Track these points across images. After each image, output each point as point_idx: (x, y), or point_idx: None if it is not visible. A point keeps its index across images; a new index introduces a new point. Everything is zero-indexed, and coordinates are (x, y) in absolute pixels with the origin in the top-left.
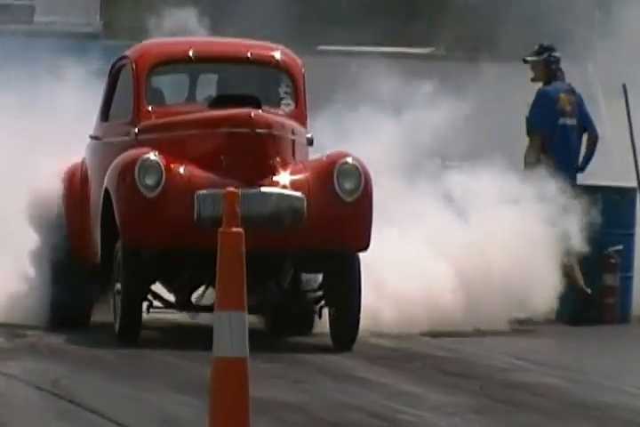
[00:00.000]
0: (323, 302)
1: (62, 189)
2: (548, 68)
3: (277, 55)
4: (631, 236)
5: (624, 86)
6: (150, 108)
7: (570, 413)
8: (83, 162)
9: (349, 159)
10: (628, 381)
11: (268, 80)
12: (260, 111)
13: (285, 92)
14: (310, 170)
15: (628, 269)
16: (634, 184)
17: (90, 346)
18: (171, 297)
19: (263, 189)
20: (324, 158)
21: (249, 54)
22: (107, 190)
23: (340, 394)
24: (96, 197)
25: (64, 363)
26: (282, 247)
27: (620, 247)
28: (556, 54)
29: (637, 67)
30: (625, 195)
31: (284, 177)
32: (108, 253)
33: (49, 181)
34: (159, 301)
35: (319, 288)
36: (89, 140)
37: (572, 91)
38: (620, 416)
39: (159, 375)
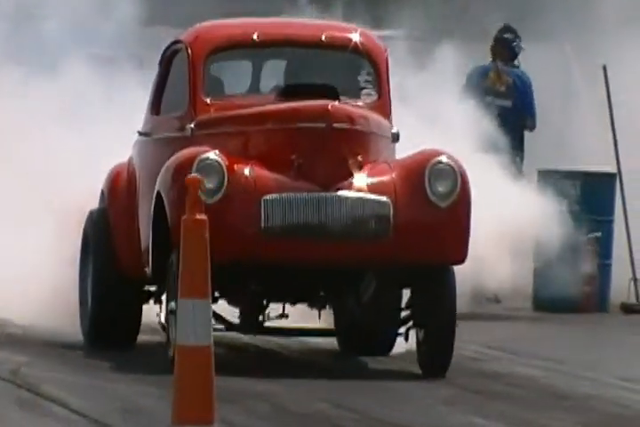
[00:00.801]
0: (411, 323)
1: (106, 193)
2: (504, 48)
3: (356, 38)
4: (610, 222)
5: (604, 67)
6: (209, 100)
7: (546, 403)
8: (129, 161)
9: (444, 158)
10: (605, 371)
11: (345, 67)
12: (339, 103)
13: (366, 81)
14: (397, 170)
15: (607, 257)
16: (613, 169)
17: (52, 336)
18: (233, 317)
19: (341, 193)
20: (414, 157)
21: (323, 37)
22: (159, 194)
23: None
24: (146, 202)
25: (24, 352)
26: (364, 260)
27: (599, 234)
28: (508, 36)
29: (618, 47)
30: (604, 180)
31: (366, 179)
32: (159, 266)
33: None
34: (220, 322)
35: (407, 307)
36: (137, 136)
37: (513, 73)
38: (596, 407)
39: (123, 366)
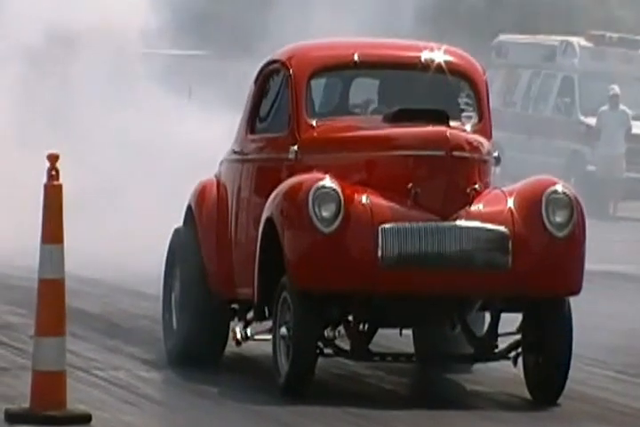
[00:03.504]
0: (519, 349)
1: (195, 209)
2: None
3: (454, 59)
4: None
5: None
6: (314, 122)
7: None
8: (218, 179)
9: (559, 187)
10: None
11: (445, 89)
12: (454, 129)
13: (466, 103)
14: (513, 199)
15: None
16: None
17: None
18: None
19: (459, 222)
20: (528, 185)
21: (422, 58)
22: (270, 221)
23: None
24: (245, 224)
25: None
26: (481, 291)
27: None
28: None
29: None
30: None
31: (482, 208)
32: (266, 289)
33: None
34: (331, 348)
35: (517, 331)
36: (227, 154)
37: None
38: None
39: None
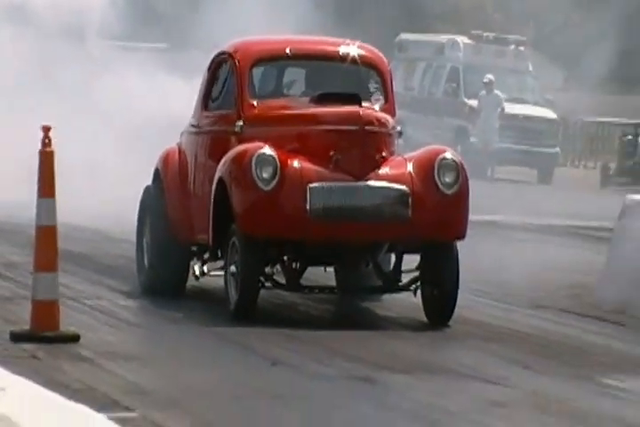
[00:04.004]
0: (418, 283)
1: (161, 168)
2: None
3: (365, 52)
4: None
5: None
6: (255, 103)
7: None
8: (179, 147)
9: (448, 154)
10: None
11: (358, 77)
12: (366, 109)
13: (375, 88)
14: (412, 164)
15: None
16: None
17: None
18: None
19: (370, 182)
20: (423, 153)
21: (341, 52)
22: (221, 180)
23: None
24: (201, 182)
25: None
26: (388, 236)
27: None
28: None
29: None
30: None
31: (388, 171)
32: (219, 234)
33: None
34: (270, 282)
35: (417, 268)
36: (186, 127)
37: None
38: None
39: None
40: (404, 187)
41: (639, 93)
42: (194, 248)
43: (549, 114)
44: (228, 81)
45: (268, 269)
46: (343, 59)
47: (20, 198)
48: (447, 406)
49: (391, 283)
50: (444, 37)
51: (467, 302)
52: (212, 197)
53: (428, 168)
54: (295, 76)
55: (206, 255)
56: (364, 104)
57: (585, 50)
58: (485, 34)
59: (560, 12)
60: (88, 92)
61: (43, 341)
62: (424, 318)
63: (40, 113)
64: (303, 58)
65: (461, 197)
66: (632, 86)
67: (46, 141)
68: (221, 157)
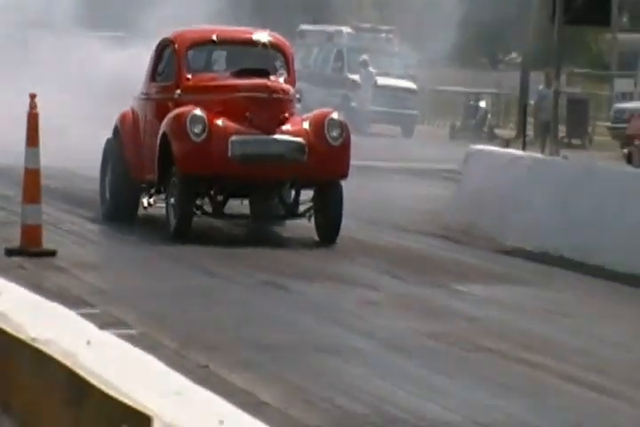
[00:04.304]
0: (312, 211)
1: (119, 125)
2: None
3: (273, 39)
4: None
5: None
6: (189, 76)
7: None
8: (133, 109)
9: (335, 115)
10: None
11: (268, 57)
12: (273, 81)
13: (280, 66)
14: (307, 123)
15: None
16: None
17: None
18: (207, 207)
19: (276, 136)
20: (316, 114)
21: (254, 39)
22: (165, 134)
23: None
24: (149, 135)
25: None
26: (289, 175)
27: None
28: None
29: None
30: None
31: (290, 128)
32: (163, 174)
33: None
34: (200, 211)
35: (311, 200)
36: (138, 94)
37: None
38: None
39: None
40: (301, 139)
41: (478, 68)
42: (143, 185)
43: (411, 85)
44: (169, 60)
45: (198, 202)
46: (256, 44)
47: (11, 147)
48: (336, 304)
49: (291, 211)
50: (332, 28)
51: (349, 226)
52: (158, 146)
53: (319, 125)
54: (220, 56)
55: (152, 191)
56: (271, 78)
57: (437, 36)
58: (363, 25)
59: (419, 8)
60: (60, 67)
61: (29, 255)
62: (317, 238)
63: (24, 81)
64: (226, 43)
65: (344, 147)
66: (472, 62)
67: (32, 106)
68: (164, 117)
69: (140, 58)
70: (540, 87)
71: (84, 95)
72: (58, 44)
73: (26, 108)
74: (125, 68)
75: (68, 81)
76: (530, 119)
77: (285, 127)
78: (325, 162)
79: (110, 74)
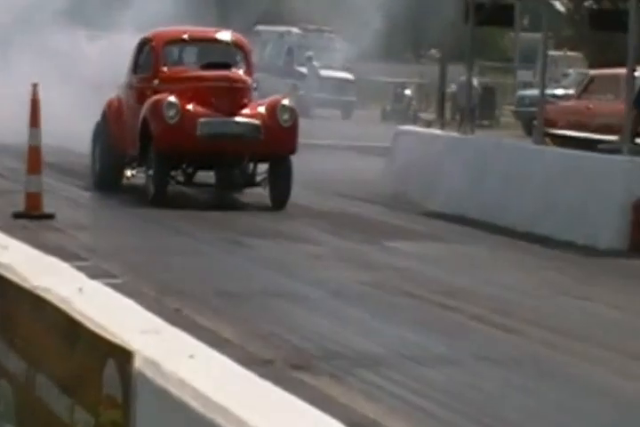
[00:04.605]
0: (267, 181)
1: (106, 110)
2: None
3: (234, 37)
4: None
5: None
6: (165, 69)
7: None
8: (118, 97)
9: (286, 101)
10: None
11: (229, 52)
12: (234, 73)
13: (240, 60)
14: (263, 107)
15: None
16: None
17: None
18: (179, 178)
19: (237, 118)
20: (270, 100)
21: (219, 37)
22: (144, 117)
23: None
24: (131, 118)
25: None
26: (248, 151)
27: None
28: None
29: None
30: None
31: (248, 112)
32: (143, 150)
33: None
34: (173, 180)
35: (266, 172)
36: (123, 83)
37: None
38: None
39: None
40: (257, 121)
41: (404, 62)
42: (126, 159)
43: (349, 76)
44: (148, 55)
45: (172, 173)
46: (220, 41)
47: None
48: (287, 257)
49: (250, 181)
50: (283, 28)
51: (297, 194)
52: (139, 127)
53: (272, 110)
54: (190, 52)
55: (134, 164)
56: (232, 70)
57: (369, 35)
58: (310, 26)
59: (360, 11)
60: (60, 60)
61: (31, 217)
62: (270, 204)
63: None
64: (195, 41)
65: (293, 128)
66: (399, 57)
67: (34, 93)
68: (144, 103)
69: (118, 53)
70: (462, 78)
71: (75, 84)
72: (44, 40)
73: (22, 97)
74: (104, 61)
75: (65, 72)
76: (448, 104)
77: (244, 111)
78: (277, 140)
79: (98, 66)
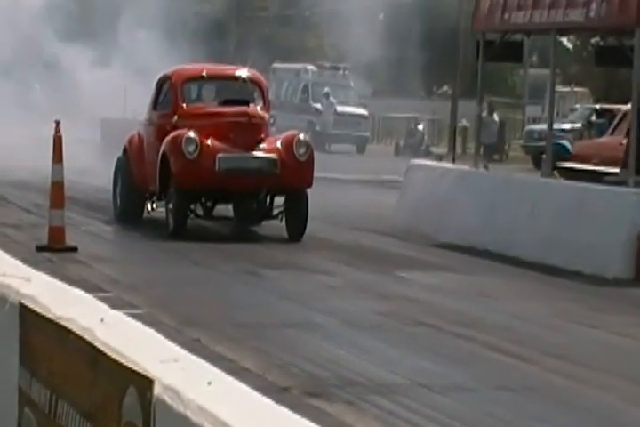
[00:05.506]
0: (284, 214)
1: (127, 145)
2: None
3: (251, 74)
4: None
5: None
6: (184, 106)
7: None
8: (139, 132)
9: (302, 136)
10: None
11: (247, 89)
12: (252, 109)
13: (257, 96)
14: (279, 142)
15: None
16: None
17: None
18: (199, 211)
19: (254, 153)
20: (286, 135)
21: (236, 75)
22: (164, 152)
23: None
24: (152, 153)
25: None
26: (265, 185)
27: None
28: None
29: None
30: None
31: (265, 146)
32: (163, 185)
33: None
34: (193, 214)
35: (282, 205)
36: (143, 120)
37: None
38: None
39: None
40: (274, 156)
41: (417, 99)
42: (147, 194)
43: (363, 112)
44: (168, 92)
45: (192, 207)
46: (238, 78)
47: (40, 165)
48: (302, 288)
49: (267, 214)
50: (299, 65)
51: (313, 226)
52: (159, 162)
53: (289, 145)
54: (209, 89)
55: (154, 198)
56: (250, 106)
57: (383, 73)
58: (325, 64)
59: (371, 49)
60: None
61: (55, 251)
62: (287, 236)
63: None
64: (214, 78)
65: (309, 162)
66: (412, 94)
67: (57, 130)
68: (164, 139)
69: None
70: (484, 114)
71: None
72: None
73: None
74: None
75: (84, 112)
76: (459, 139)
77: (262, 146)
78: (294, 174)
79: (117, 105)
